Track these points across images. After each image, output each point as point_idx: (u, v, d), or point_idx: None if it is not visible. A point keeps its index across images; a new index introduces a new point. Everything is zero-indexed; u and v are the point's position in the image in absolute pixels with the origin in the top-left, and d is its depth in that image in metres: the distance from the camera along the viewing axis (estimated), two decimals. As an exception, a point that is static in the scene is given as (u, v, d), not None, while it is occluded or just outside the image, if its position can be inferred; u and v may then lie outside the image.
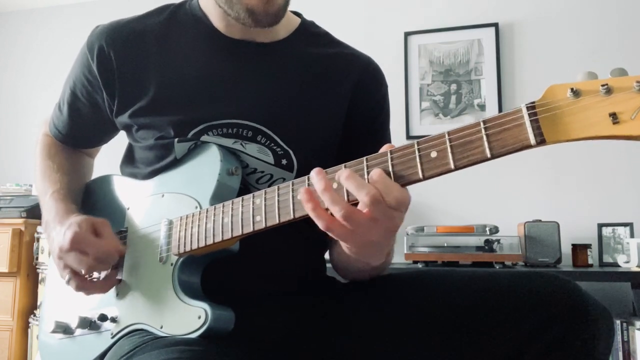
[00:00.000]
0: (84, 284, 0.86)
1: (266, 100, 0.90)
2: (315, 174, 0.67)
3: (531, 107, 0.56)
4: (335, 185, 0.66)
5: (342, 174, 0.65)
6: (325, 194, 0.65)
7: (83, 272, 0.86)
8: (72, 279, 0.86)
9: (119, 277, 0.89)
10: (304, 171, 0.71)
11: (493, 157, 0.58)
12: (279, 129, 0.88)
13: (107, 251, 0.85)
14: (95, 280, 0.88)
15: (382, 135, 1.00)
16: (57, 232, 0.88)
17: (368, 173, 0.65)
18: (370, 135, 0.97)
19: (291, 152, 0.89)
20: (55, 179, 1.00)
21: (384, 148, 0.67)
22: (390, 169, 0.64)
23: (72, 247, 0.83)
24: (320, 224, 0.65)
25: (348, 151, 0.85)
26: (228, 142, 0.87)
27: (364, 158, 0.67)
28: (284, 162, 0.89)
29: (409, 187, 0.65)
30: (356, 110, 0.95)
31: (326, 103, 0.93)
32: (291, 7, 0.99)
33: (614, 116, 0.51)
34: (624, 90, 0.51)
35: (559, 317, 0.72)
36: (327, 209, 0.65)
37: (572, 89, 0.53)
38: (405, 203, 0.64)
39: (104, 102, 0.95)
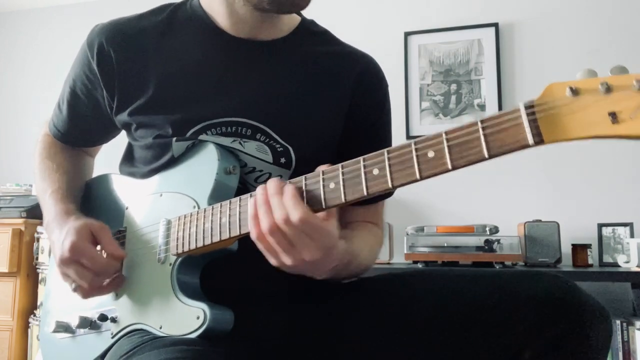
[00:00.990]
0: (90, 291, 0.86)
1: (265, 98, 0.89)
2: (261, 187, 0.72)
3: (529, 106, 0.55)
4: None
5: (270, 189, 0.70)
6: (262, 206, 0.70)
7: (85, 285, 0.85)
8: (77, 289, 0.86)
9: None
10: (302, 169, 0.71)
11: (491, 157, 0.57)
12: (278, 127, 0.88)
13: (107, 264, 0.84)
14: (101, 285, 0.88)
15: (383, 134, 1.00)
16: (56, 236, 0.88)
17: (365, 174, 0.65)
18: (370, 134, 0.97)
19: (290, 149, 0.89)
20: (55, 178, 1.00)
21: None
22: (387, 169, 0.64)
23: (72, 258, 0.83)
24: (252, 233, 0.71)
25: (348, 149, 0.85)
26: (227, 141, 0.87)
27: (361, 158, 0.66)
28: (282, 160, 0.89)
29: (407, 187, 0.65)
30: (357, 108, 0.95)
31: (326, 101, 0.93)
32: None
33: (613, 115, 0.50)
34: (624, 89, 0.50)
35: (557, 316, 0.72)
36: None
37: (571, 88, 0.52)
38: (311, 225, 0.67)
39: (103, 99, 0.95)
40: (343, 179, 0.67)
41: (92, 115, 0.99)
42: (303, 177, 0.71)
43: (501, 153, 0.57)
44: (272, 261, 0.72)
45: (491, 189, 2.57)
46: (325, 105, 0.93)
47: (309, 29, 0.99)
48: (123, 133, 1.00)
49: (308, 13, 1.02)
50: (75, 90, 0.98)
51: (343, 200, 0.67)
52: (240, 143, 0.88)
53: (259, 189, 0.71)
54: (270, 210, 0.69)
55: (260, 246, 0.71)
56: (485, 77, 2.66)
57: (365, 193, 0.65)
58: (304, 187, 0.70)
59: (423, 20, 2.77)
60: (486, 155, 0.57)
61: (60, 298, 0.99)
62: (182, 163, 0.89)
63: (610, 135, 0.50)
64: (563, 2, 2.62)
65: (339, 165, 0.68)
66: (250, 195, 0.74)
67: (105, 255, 0.85)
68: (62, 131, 1.04)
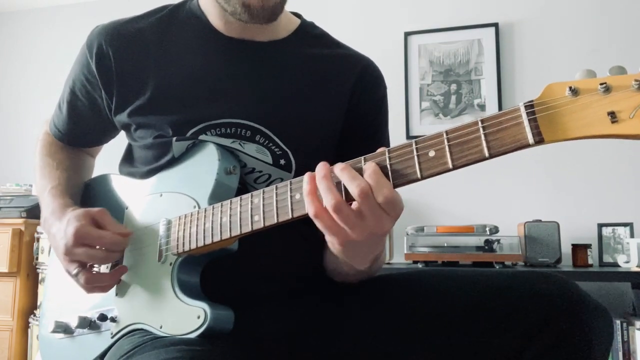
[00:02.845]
0: (92, 276, 0.85)
1: (265, 99, 0.90)
2: (321, 163, 0.68)
3: (529, 105, 0.55)
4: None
5: (338, 165, 0.66)
6: (322, 181, 0.65)
7: (95, 264, 0.85)
8: (80, 273, 0.84)
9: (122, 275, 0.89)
10: (302, 171, 0.71)
11: (491, 156, 0.57)
12: (278, 129, 0.88)
13: (115, 240, 0.85)
14: (102, 272, 0.87)
15: (381, 136, 1.00)
16: (56, 228, 0.88)
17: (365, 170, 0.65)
18: (368, 137, 0.97)
19: (289, 152, 0.89)
20: (54, 175, 1.00)
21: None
22: (388, 168, 0.64)
23: (78, 242, 0.83)
24: (310, 210, 0.66)
25: (346, 152, 0.85)
26: (226, 142, 0.87)
27: (362, 157, 0.67)
28: (282, 162, 0.89)
29: (407, 187, 0.65)
30: (355, 111, 0.95)
31: (325, 103, 0.93)
32: (291, 7, 0.99)
33: (612, 115, 0.50)
34: (623, 89, 0.51)
35: (557, 316, 0.72)
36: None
37: (570, 88, 0.53)
38: (394, 204, 0.63)
39: (102, 100, 0.95)
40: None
41: (92, 116, 0.99)
42: (304, 176, 0.71)
43: (502, 152, 0.57)
44: (334, 239, 0.67)
45: (491, 189, 2.57)
46: (324, 107, 0.93)
47: (308, 31, 0.99)
48: (123, 133, 1.01)
49: (307, 13, 1.02)
50: (74, 91, 0.99)
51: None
52: (239, 144, 0.88)
53: (320, 166, 0.67)
54: (332, 186, 0.65)
55: (319, 224, 0.66)
56: (485, 77, 2.66)
57: None
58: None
59: (423, 20, 2.77)
60: (487, 155, 0.57)
61: (59, 298, 0.99)
62: (182, 163, 0.89)
63: (609, 134, 0.51)
64: (563, 2, 2.62)
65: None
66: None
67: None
68: (62, 131, 1.05)
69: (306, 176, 0.68)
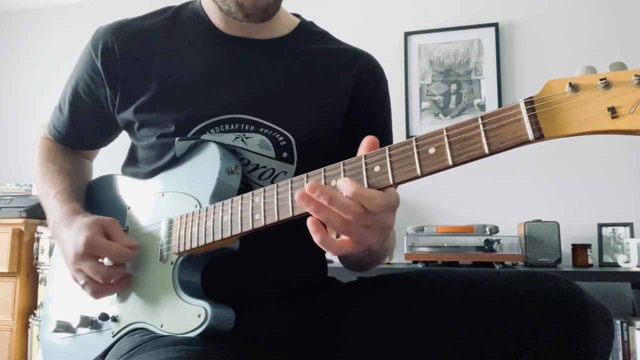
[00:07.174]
0: (99, 287, 0.85)
1: (267, 94, 0.90)
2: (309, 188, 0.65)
3: (529, 102, 0.55)
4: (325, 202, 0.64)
5: (325, 197, 0.63)
6: (320, 213, 0.64)
7: (100, 280, 0.84)
8: (87, 284, 0.85)
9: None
10: (304, 164, 0.71)
11: (491, 152, 0.57)
12: (280, 120, 0.89)
13: (123, 253, 0.84)
14: (110, 282, 0.87)
15: (384, 131, 1.01)
16: (67, 235, 0.88)
17: (367, 170, 0.65)
18: (371, 131, 0.96)
19: (292, 139, 0.89)
20: (58, 180, 1.00)
21: (365, 141, 0.67)
22: (389, 166, 0.64)
23: (87, 252, 0.83)
24: (331, 251, 0.66)
25: (349, 146, 0.85)
26: (229, 138, 0.88)
27: (362, 156, 0.66)
28: (284, 155, 0.89)
29: (408, 187, 0.65)
30: (357, 105, 0.96)
31: (327, 97, 0.94)
32: (292, 7, 1.00)
33: (612, 110, 0.50)
34: (623, 84, 0.50)
35: (557, 317, 0.72)
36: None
37: (570, 84, 0.53)
38: (390, 204, 0.63)
39: (106, 98, 0.95)
40: (345, 176, 0.67)
41: (94, 117, 1.00)
42: (305, 174, 0.71)
43: (502, 149, 0.57)
44: (350, 252, 0.67)
45: (491, 189, 2.57)
46: (325, 100, 0.94)
47: (308, 29, 1.00)
48: (123, 136, 1.01)
49: (308, 13, 1.03)
50: (77, 91, 0.99)
51: None
52: (242, 140, 0.88)
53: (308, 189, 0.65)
54: (332, 213, 0.64)
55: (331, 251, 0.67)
56: (485, 77, 2.66)
57: None
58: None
59: (423, 20, 2.78)
60: (486, 151, 0.57)
61: (61, 298, 0.99)
62: (185, 163, 0.90)
63: (609, 130, 0.50)
64: (563, 2, 2.62)
65: (341, 162, 0.68)
66: (253, 194, 0.74)
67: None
68: (62, 133, 1.05)
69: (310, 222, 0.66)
